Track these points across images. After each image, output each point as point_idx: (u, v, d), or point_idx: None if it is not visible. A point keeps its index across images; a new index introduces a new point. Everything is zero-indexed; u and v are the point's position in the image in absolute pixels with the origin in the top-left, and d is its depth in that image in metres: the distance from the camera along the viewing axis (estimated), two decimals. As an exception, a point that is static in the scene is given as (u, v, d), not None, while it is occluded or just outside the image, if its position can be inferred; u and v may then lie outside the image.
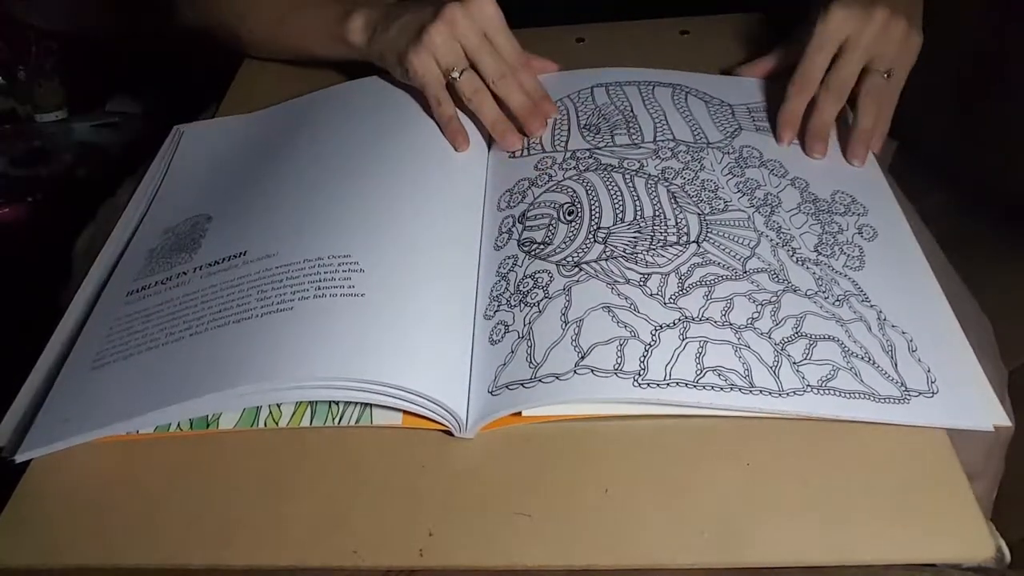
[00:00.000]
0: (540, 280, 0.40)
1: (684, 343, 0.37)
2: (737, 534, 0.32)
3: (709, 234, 0.42)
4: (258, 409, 0.37)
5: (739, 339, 0.37)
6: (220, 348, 0.37)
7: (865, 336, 0.38)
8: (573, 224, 0.43)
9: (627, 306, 0.38)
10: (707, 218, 0.43)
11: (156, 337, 0.39)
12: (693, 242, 0.42)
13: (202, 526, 0.34)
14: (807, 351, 0.37)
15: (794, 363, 0.36)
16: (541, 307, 0.39)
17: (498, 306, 0.40)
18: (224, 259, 0.42)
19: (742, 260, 0.41)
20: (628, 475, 0.34)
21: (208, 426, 0.37)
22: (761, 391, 0.35)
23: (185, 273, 0.42)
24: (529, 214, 0.44)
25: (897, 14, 0.47)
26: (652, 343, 0.37)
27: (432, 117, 0.50)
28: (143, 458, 0.36)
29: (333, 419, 0.37)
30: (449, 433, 0.36)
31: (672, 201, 0.44)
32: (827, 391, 0.35)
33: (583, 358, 0.36)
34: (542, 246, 0.42)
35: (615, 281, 0.40)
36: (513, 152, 0.49)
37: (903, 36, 0.47)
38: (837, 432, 0.35)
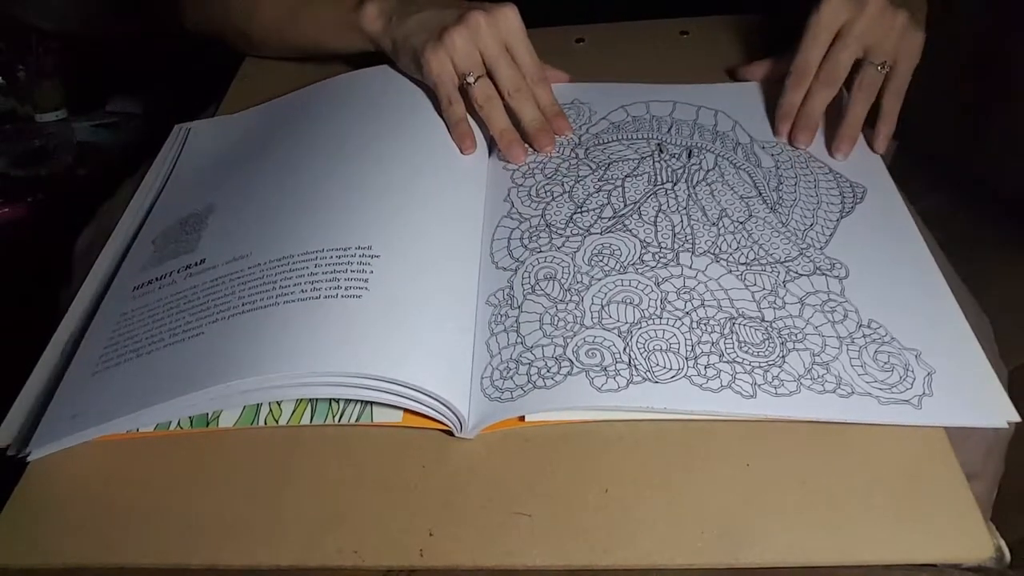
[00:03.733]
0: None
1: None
2: (737, 534, 0.32)
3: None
4: (258, 407, 0.37)
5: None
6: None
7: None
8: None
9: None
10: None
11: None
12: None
13: (202, 525, 0.34)
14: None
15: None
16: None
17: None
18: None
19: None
20: (628, 475, 0.34)
21: (208, 424, 0.37)
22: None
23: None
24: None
25: (895, 6, 0.47)
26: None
27: (440, 115, 0.50)
28: (143, 457, 0.36)
29: (333, 417, 0.37)
30: (449, 433, 0.36)
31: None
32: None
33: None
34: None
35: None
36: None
37: (901, 28, 0.47)
38: (837, 433, 0.35)
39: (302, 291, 0.38)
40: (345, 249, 0.40)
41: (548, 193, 0.46)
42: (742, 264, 0.41)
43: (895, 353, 0.37)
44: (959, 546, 0.31)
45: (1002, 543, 0.32)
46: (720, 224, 0.43)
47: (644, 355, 0.37)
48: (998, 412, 0.35)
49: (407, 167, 0.46)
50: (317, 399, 0.37)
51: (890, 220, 0.44)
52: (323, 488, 0.35)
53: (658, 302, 0.39)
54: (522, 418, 0.36)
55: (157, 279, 0.42)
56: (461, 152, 0.49)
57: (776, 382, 0.36)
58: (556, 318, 0.39)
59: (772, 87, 0.53)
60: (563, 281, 0.41)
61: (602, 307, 0.39)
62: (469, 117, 0.50)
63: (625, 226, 0.44)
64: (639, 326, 0.38)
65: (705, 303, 0.39)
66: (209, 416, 0.37)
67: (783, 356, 0.37)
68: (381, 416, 0.37)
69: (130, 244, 0.47)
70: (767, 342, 0.37)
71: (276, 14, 0.58)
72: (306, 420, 0.37)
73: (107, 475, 0.36)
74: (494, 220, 0.45)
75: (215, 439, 0.37)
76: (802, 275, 0.41)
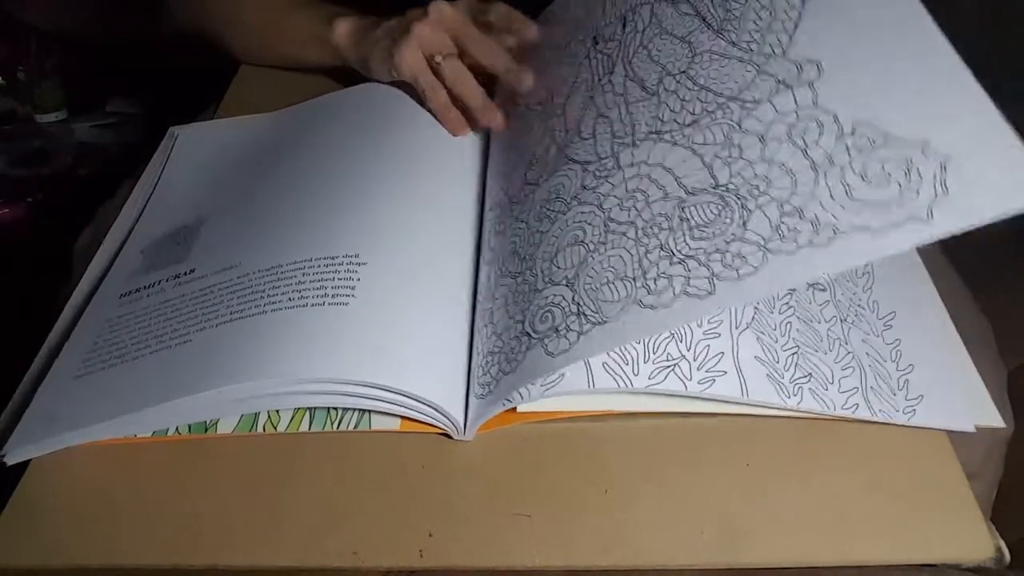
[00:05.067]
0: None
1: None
2: (737, 534, 0.32)
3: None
4: (256, 414, 0.37)
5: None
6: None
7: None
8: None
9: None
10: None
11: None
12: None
13: (202, 526, 0.34)
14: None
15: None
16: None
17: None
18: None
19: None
20: (628, 475, 0.34)
21: (206, 430, 0.37)
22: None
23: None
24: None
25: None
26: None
27: (427, 110, 0.50)
28: (143, 460, 0.36)
29: (332, 424, 0.37)
30: (448, 435, 0.36)
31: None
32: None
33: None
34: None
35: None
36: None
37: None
38: (837, 432, 0.35)
39: (289, 299, 0.38)
40: (333, 257, 0.40)
41: (512, 167, 0.45)
42: (688, 125, 0.36)
43: (892, 157, 0.29)
44: (959, 546, 0.31)
45: (1002, 543, 0.32)
46: (660, 89, 0.38)
47: (592, 295, 0.34)
48: (972, 415, 0.34)
49: (396, 174, 0.46)
50: (315, 407, 0.37)
51: None
52: (322, 489, 0.35)
53: (602, 226, 0.36)
54: (514, 410, 0.35)
55: (145, 287, 0.42)
56: (453, 135, 0.49)
57: (737, 262, 0.31)
58: (517, 294, 0.37)
59: None
60: (521, 251, 0.39)
61: (551, 261, 0.37)
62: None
63: (567, 156, 0.40)
64: (584, 264, 0.35)
65: (650, 200, 0.35)
66: (207, 422, 0.37)
67: (744, 223, 0.32)
68: (379, 423, 0.37)
69: (119, 250, 0.47)
70: (723, 213, 0.32)
71: (251, 24, 0.59)
72: (304, 427, 0.37)
73: (108, 476, 0.36)
74: (482, 218, 0.45)
75: (214, 444, 0.37)
76: (759, 102, 0.34)
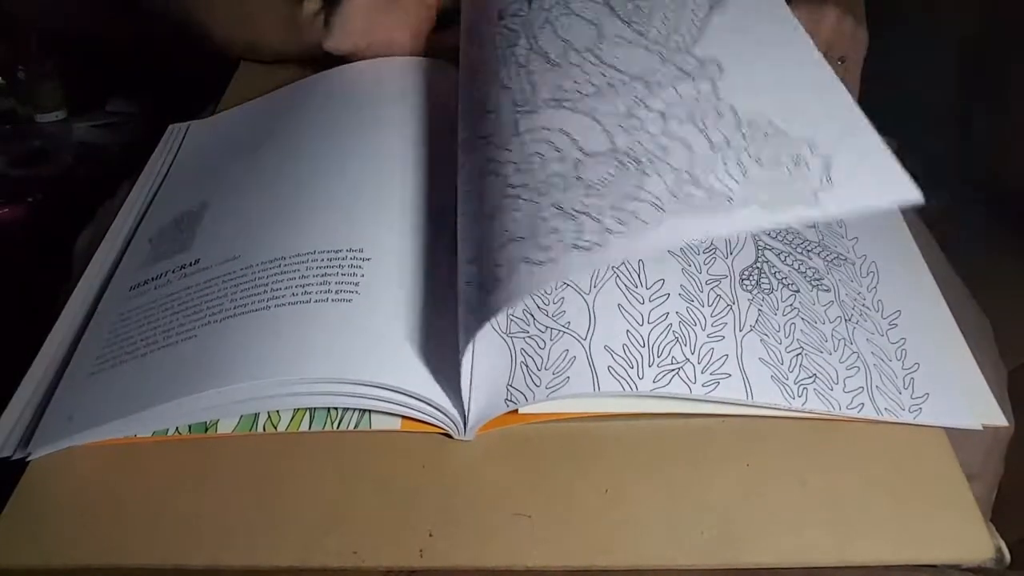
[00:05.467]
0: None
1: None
2: (737, 534, 0.32)
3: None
4: (256, 414, 0.37)
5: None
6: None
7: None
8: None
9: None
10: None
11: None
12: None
13: (202, 526, 0.34)
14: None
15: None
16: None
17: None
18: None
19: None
20: (628, 475, 0.34)
21: (207, 430, 0.37)
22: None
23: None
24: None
25: (845, 12, 0.53)
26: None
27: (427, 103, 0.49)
28: (143, 460, 0.36)
29: (332, 424, 0.37)
30: (448, 435, 0.36)
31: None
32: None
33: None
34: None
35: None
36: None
37: (851, 31, 0.53)
38: (837, 432, 0.35)
39: (292, 294, 0.37)
40: (336, 251, 0.39)
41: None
42: (588, 95, 0.35)
43: (784, 147, 0.31)
44: (959, 546, 0.31)
45: (1002, 543, 0.32)
46: (564, 62, 0.38)
47: (488, 263, 0.33)
48: (978, 413, 0.35)
49: (401, 166, 0.46)
50: (316, 407, 0.37)
51: (767, 3, 0.39)
52: (323, 488, 0.35)
53: (499, 193, 0.35)
54: (516, 410, 0.35)
55: (153, 279, 0.42)
56: None
57: (629, 218, 0.30)
58: (455, 286, 0.36)
59: None
60: (456, 242, 0.38)
61: (464, 242, 0.36)
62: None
63: (476, 135, 0.39)
64: (485, 235, 0.34)
65: (546, 161, 0.34)
66: (208, 422, 0.37)
67: (639, 185, 0.31)
68: (379, 423, 0.37)
69: (127, 243, 0.47)
70: (620, 173, 0.32)
71: (229, 14, 0.60)
72: (304, 427, 0.37)
73: (108, 476, 0.36)
74: None
75: (214, 444, 0.37)
76: (664, 85, 0.35)
